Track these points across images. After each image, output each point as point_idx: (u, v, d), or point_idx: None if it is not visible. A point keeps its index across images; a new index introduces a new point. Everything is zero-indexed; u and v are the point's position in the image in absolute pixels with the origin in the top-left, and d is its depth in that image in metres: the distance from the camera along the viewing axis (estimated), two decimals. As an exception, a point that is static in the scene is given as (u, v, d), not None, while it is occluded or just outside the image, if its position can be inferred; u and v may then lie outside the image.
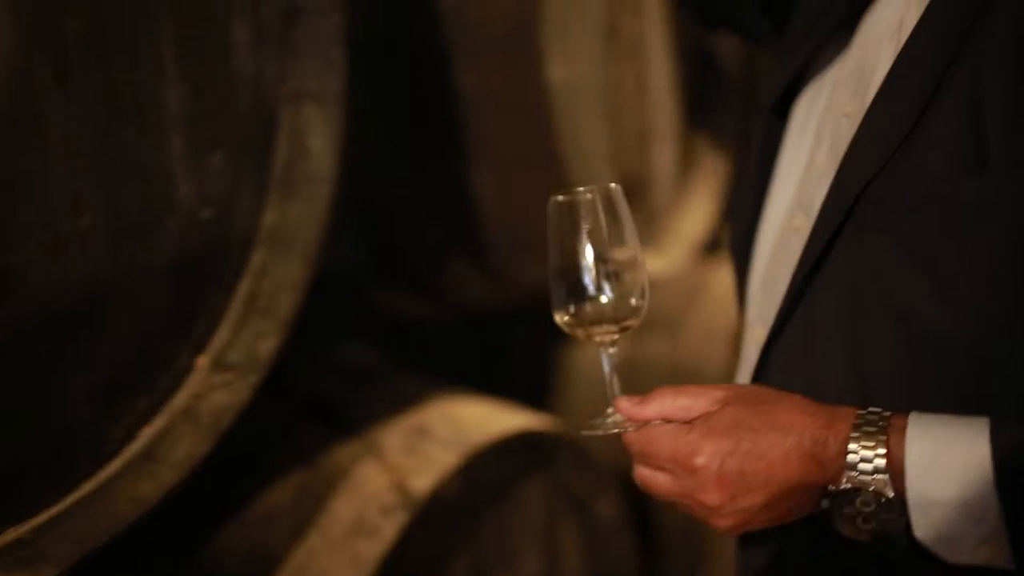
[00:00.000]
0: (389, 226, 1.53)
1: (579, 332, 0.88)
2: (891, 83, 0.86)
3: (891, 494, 0.76)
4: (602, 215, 0.86)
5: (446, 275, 1.57)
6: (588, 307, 0.86)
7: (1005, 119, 0.79)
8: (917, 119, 0.82)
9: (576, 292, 0.86)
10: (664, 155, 1.85)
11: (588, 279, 0.86)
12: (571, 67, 1.53)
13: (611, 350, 0.89)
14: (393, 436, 1.26)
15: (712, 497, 0.80)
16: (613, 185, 0.87)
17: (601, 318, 0.87)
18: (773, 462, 0.79)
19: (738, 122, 2.00)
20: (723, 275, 2.11)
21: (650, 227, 1.86)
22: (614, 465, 1.58)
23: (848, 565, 0.87)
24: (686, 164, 1.92)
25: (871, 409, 0.78)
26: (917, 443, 0.76)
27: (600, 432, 0.86)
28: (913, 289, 0.82)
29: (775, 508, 0.80)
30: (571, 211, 0.86)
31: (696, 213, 1.90)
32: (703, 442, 0.80)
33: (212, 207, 0.97)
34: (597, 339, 0.88)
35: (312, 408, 1.38)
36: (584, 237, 0.86)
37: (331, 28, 1.02)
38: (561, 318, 0.88)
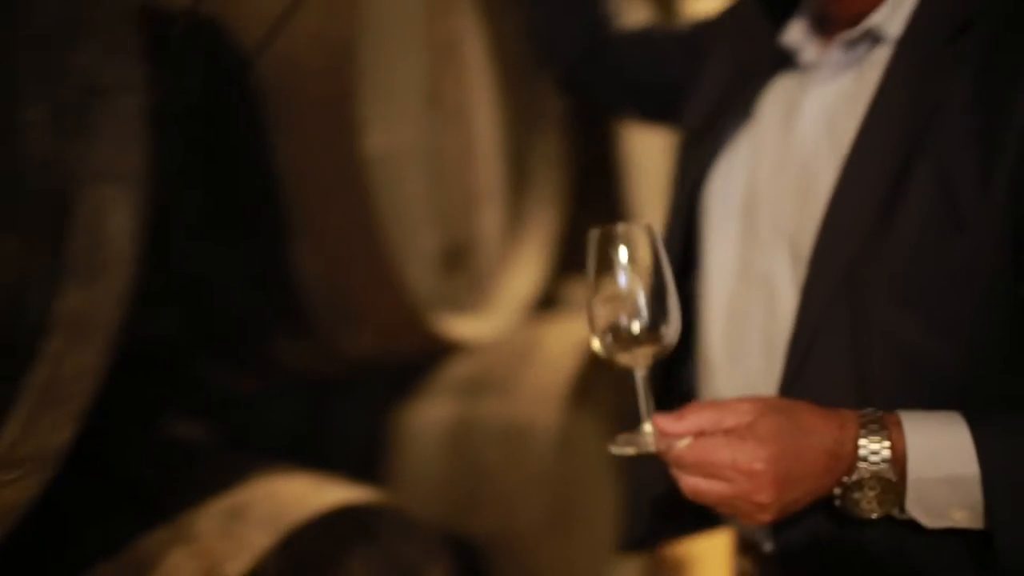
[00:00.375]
0: (211, 299, 1.50)
1: (616, 356, 0.96)
2: (858, 164, 1.01)
3: (894, 479, 0.93)
4: (636, 247, 0.95)
5: (270, 346, 1.54)
6: (623, 333, 0.94)
7: (973, 186, 0.94)
8: (893, 194, 0.98)
9: (613, 319, 0.94)
10: (491, 218, 1.87)
11: (624, 307, 0.95)
12: (392, 135, 1.53)
13: (642, 372, 0.96)
14: (209, 519, 1.21)
15: (766, 496, 0.91)
16: (646, 222, 0.97)
17: (635, 343, 0.95)
18: (808, 461, 0.92)
19: (565, 182, 2.05)
20: (555, 333, 2.15)
21: (477, 289, 1.87)
22: (443, 531, 1.57)
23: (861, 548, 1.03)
24: (514, 226, 1.95)
25: (868, 411, 0.94)
26: (913, 435, 0.92)
27: (640, 451, 0.94)
28: (911, 329, 0.98)
29: (805, 499, 0.94)
30: (608, 243, 0.95)
31: (524, 274, 1.92)
32: (759, 449, 0.90)
33: (2, 295, 0.92)
34: (632, 363, 0.96)
35: (126, 493, 1.33)
36: (619, 267, 0.95)
37: (132, 107, 1.00)
38: (598, 343, 0.96)
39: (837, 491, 0.95)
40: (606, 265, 0.95)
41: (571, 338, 2.13)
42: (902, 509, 0.95)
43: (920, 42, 1.03)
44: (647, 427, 0.95)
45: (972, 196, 0.95)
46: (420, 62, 1.63)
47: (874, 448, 0.93)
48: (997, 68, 0.97)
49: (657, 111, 1.49)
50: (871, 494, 0.94)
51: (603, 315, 0.95)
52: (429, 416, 2.03)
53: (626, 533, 1.36)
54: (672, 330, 0.96)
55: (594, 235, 0.96)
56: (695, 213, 1.21)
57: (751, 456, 0.90)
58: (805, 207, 1.08)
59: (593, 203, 2.46)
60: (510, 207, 1.94)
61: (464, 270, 1.82)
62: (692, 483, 0.93)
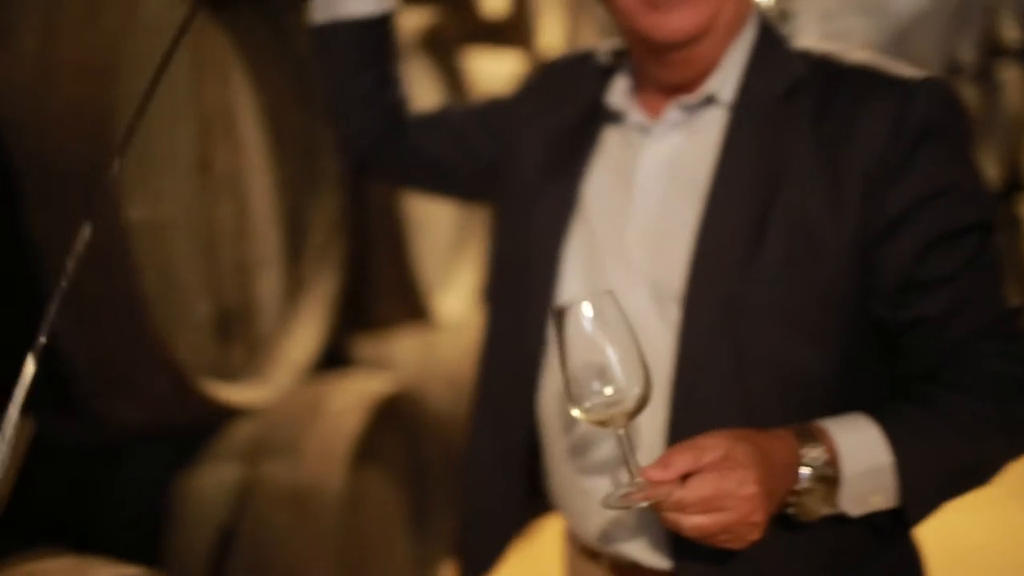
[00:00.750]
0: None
1: (593, 420, 1.02)
2: (719, 209, 1.16)
3: (835, 477, 1.06)
4: (599, 319, 1.01)
5: (35, 421, 1.49)
6: (597, 399, 1.01)
7: (825, 221, 1.12)
8: (756, 232, 1.13)
9: (585, 388, 1.00)
10: (268, 284, 1.89)
11: (593, 378, 1.01)
12: (160, 204, 1.54)
13: (621, 431, 1.02)
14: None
15: (760, 515, 1.01)
16: (606, 292, 1.03)
17: (610, 407, 1.01)
18: (780, 476, 1.04)
19: (344, 244, 2.09)
20: (340, 393, 2.17)
21: (256, 353, 1.87)
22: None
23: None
24: (293, 289, 1.97)
25: (796, 425, 1.08)
26: (838, 438, 1.07)
27: (633, 505, 1.00)
28: (792, 347, 1.13)
29: (776, 508, 1.06)
30: (572, 319, 1.01)
31: (303, 338, 1.94)
32: (747, 473, 0.99)
33: None
34: (612, 424, 1.02)
35: None
36: (585, 341, 1.00)
37: None
38: (577, 411, 1.02)
39: (791, 499, 1.07)
40: (572, 340, 1.00)
41: (356, 396, 2.15)
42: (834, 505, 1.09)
43: (755, 103, 1.19)
44: (637, 480, 1.00)
45: (825, 229, 1.13)
46: (189, 131, 1.64)
47: (814, 455, 1.06)
48: (829, 120, 1.15)
49: (460, 188, 1.55)
50: (818, 496, 1.07)
51: (575, 386, 1.01)
52: (212, 482, 2.01)
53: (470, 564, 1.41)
54: (645, 387, 1.02)
55: (555, 312, 1.02)
56: (549, 265, 1.28)
57: (743, 481, 1.00)
58: (664, 251, 1.19)
59: (377, 261, 2.51)
60: (289, 271, 1.95)
61: (241, 336, 1.83)
62: (695, 522, 1.01)
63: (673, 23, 1.17)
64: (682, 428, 1.15)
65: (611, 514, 1.22)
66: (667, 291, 1.18)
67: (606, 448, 1.22)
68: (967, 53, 7.26)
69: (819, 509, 1.09)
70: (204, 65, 1.65)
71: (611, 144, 1.29)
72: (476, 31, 3.67)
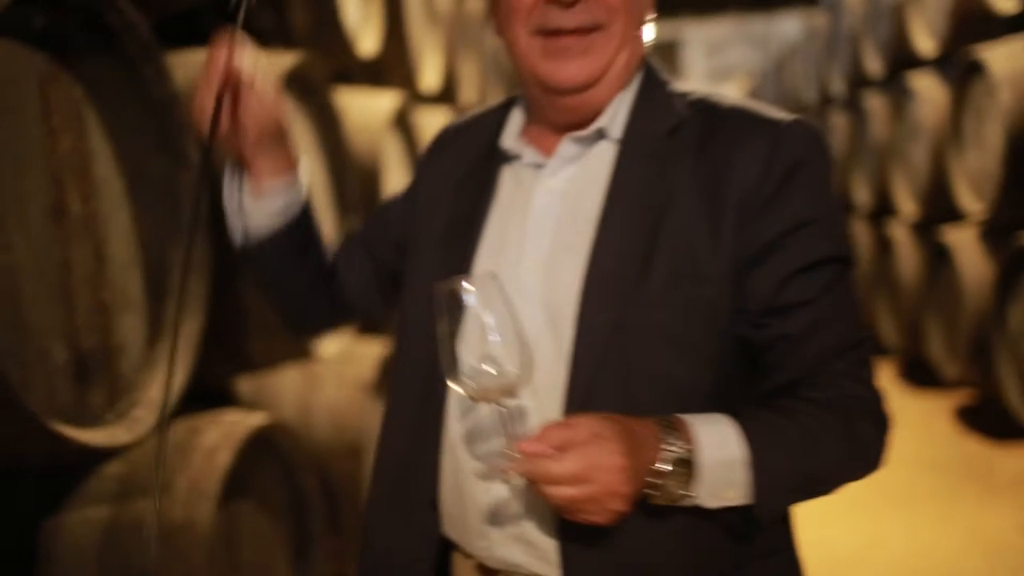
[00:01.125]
0: None
1: (472, 395, 1.09)
2: (608, 237, 1.25)
3: (693, 461, 1.15)
4: (483, 299, 1.08)
5: None
6: (483, 378, 1.08)
7: (706, 248, 1.22)
8: (644, 258, 1.23)
9: (473, 365, 1.07)
10: (129, 327, 1.93)
11: (475, 355, 1.07)
12: (8, 252, 1.57)
13: (503, 409, 1.10)
14: None
15: (628, 487, 1.10)
16: (492, 274, 1.11)
17: (494, 385, 1.08)
18: (644, 455, 1.12)
19: (208, 286, 2.13)
20: (211, 431, 2.20)
21: (118, 397, 1.91)
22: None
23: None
24: (155, 333, 2.01)
25: (660, 416, 1.17)
26: (697, 429, 1.16)
27: (506, 477, 1.09)
28: (677, 363, 1.23)
29: (640, 486, 1.14)
30: (458, 296, 1.07)
31: (165, 379, 1.98)
32: (615, 446, 1.09)
33: None
34: (494, 401, 1.09)
35: None
36: (469, 320, 1.06)
37: None
38: (456, 385, 1.09)
39: (651, 479, 1.14)
40: (459, 316, 1.07)
41: (228, 433, 2.19)
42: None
43: (641, 140, 1.29)
44: (511, 455, 1.08)
45: (705, 256, 1.23)
46: (41, 179, 1.68)
47: (675, 441, 1.15)
48: (709, 156, 1.26)
49: None
50: (677, 481, 1.15)
51: (464, 362, 1.08)
52: (80, 523, 2.02)
53: None
54: (528, 367, 1.10)
55: (444, 289, 1.08)
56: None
57: (610, 454, 1.09)
58: (557, 277, 1.27)
59: (254, 303, 2.55)
60: (150, 314, 1.99)
61: (102, 378, 1.86)
62: (564, 493, 1.09)
63: (569, 72, 1.27)
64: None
65: (502, 527, 1.28)
66: (560, 314, 1.25)
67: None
68: (837, 84, 7.60)
69: (677, 493, 1.16)
70: (54, 114, 1.69)
71: (507, 183, 1.37)
72: (352, 70, 3.75)
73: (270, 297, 1.58)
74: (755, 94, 12.70)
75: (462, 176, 1.42)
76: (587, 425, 1.11)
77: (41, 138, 1.67)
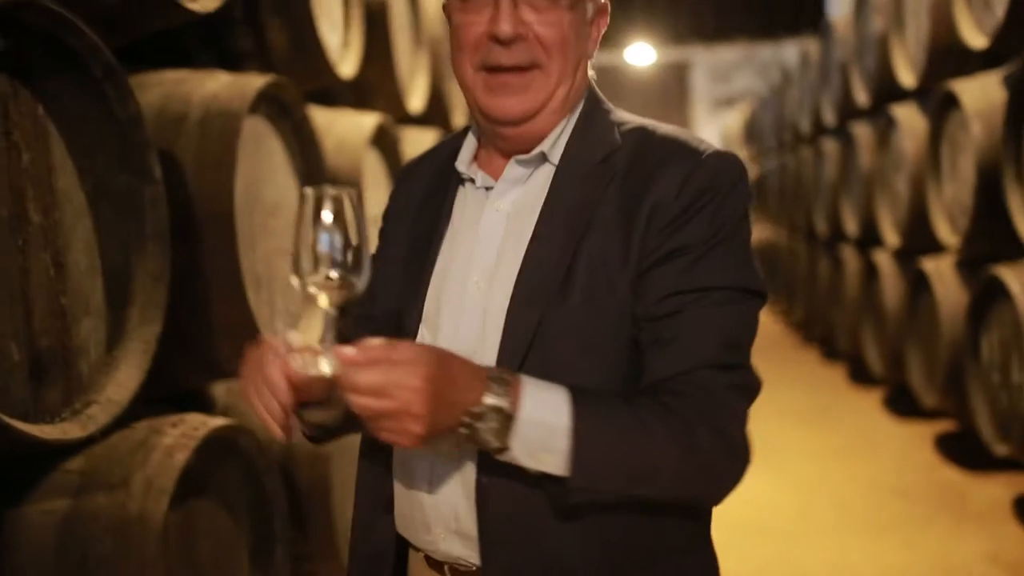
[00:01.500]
0: None
1: (312, 296, 1.20)
2: (537, 249, 1.37)
3: (511, 413, 1.22)
4: (341, 207, 1.18)
5: None
6: (321, 278, 1.19)
7: (618, 259, 1.34)
8: (567, 270, 1.34)
9: (315, 265, 1.18)
10: (88, 330, 2.05)
11: (325, 256, 1.18)
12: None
13: (332, 312, 1.21)
14: None
15: (421, 408, 1.17)
16: (351, 188, 1.21)
17: (331, 287, 1.19)
18: (456, 389, 1.20)
19: (164, 292, 2.25)
20: (171, 431, 2.31)
21: (74, 397, 2.02)
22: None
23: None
24: (114, 336, 2.12)
25: (493, 367, 1.27)
26: (526, 387, 1.24)
27: (318, 373, 1.19)
28: (587, 368, 1.33)
29: (450, 420, 1.22)
30: (317, 201, 1.18)
31: (124, 380, 2.10)
32: (419, 369, 1.17)
33: None
34: (325, 303, 1.20)
35: None
36: (324, 222, 1.17)
37: None
38: (297, 281, 1.19)
39: (466, 419, 1.22)
40: (314, 219, 1.18)
41: (188, 433, 2.29)
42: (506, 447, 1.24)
43: (577, 165, 1.41)
44: (328, 355, 1.19)
45: (618, 266, 1.34)
46: (2, 191, 1.80)
47: (497, 389, 1.22)
48: (634, 178, 1.37)
49: None
50: (492, 425, 1.22)
51: (307, 261, 1.18)
52: (40, 515, 2.13)
53: None
54: (363, 280, 1.20)
55: (308, 193, 1.18)
56: (410, 318, 1.46)
57: (414, 376, 1.16)
58: (494, 284, 1.39)
59: (220, 310, 2.66)
60: (110, 319, 2.11)
61: (59, 378, 1.97)
62: (363, 402, 1.17)
63: (508, 106, 1.40)
64: None
65: (442, 522, 1.39)
66: (493, 319, 1.38)
67: (444, 454, 1.38)
68: (829, 112, 7.70)
69: (490, 440, 1.23)
70: (15, 129, 1.82)
71: (460, 204, 1.49)
72: (337, 92, 3.88)
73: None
74: (755, 120, 12.79)
75: (420, 202, 1.54)
76: (407, 348, 1.20)
77: (1, 152, 1.79)
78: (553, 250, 1.37)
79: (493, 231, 1.43)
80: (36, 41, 1.86)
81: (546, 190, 1.42)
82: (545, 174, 1.44)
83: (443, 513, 1.40)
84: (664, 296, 1.33)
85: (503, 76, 1.39)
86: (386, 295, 1.50)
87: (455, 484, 1.39)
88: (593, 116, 1.47)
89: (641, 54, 15.46)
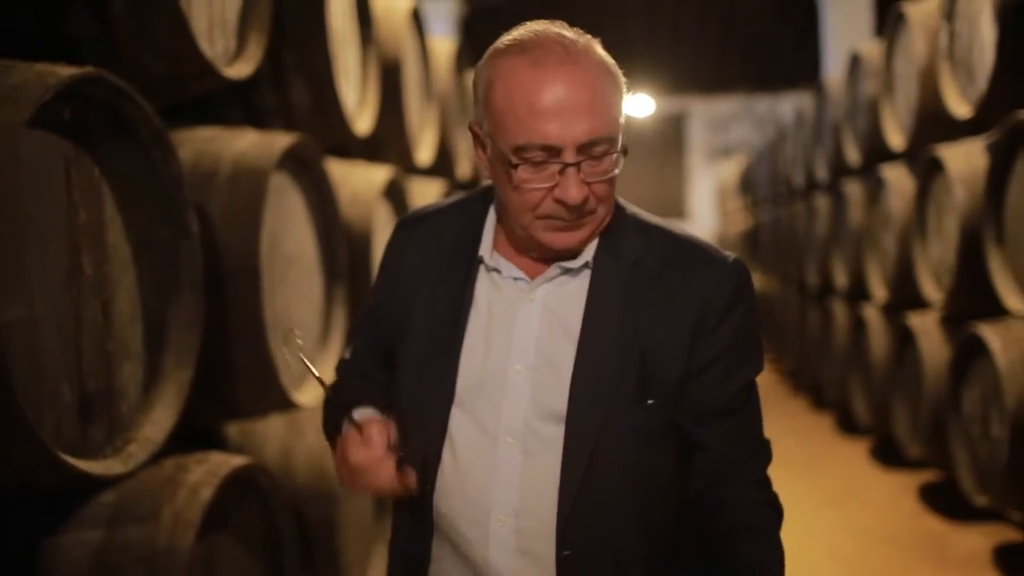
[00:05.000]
0: None
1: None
2: (592, 350, 1.53)
3: None
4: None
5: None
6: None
7: (668, 363, 1.53)
8: (622, 369, 1.51)
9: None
10: (129, 373, 2.22)
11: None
12: (30, 306, 1.87)
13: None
14: None
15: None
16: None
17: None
18: None
19: (198, 339, 2.42)
20: (197, 469, 2.47)
21: (116, 434, 2.19)
22: None
23: None
24: (151, 379, 2.30)
25: None
26: None
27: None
28: (647, 450, 1.55)
29: None
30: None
31: (159, 419, 2.27)
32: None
33: None
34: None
35: None
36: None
37: None
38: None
39: None
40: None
41: (212, 471, 2.45)
42: None
43: (610, 268, 1.56)
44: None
45: (667, 367, 1.53)
46: (60, 244, 1.98)
47: None
48: (670, 285, 1.55)
49: None
50: None
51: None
52: (75, 544, 2.28)
53: None
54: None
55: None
56: (445, 387, 1.58)
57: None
58: (544, 380, 1.54)
59: (241, 356, 2.83)
60: (148, 363, 2.28)
61: (103, 417, 2.14)
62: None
63: (565, 242, 1.53)
64: (576, 513, 1.51)
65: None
66: (549, 412, 1.53)
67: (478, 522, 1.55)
68: (821, 169, 7.93)
69: None
70: (75, 190, 2.00)
71: (485, 291, 1.59)
72: (350, 146, 4.08)
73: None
74: (750, 172, 13.03)
75: (436, 278, 1.62)
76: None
77: (62, 211, 1.98)
78: (607, 351, 1.53)
79: (529, 324, 1.56)
80: (97, 110, 2.05)
81: (584, 291, 1.57)
82: (581, 274, 1.58)
83: None
84: (709, 396, 1.56)
85: (566, 223, 1.51)
86: (407, 365, 1.60)
87: (516, 549, 1.53)
88: (619, 219, 1.61)
89: (640, 105, 15.73)
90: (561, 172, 1.46)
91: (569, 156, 1.45)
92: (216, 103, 3.24)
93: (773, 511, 1.59)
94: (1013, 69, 4.14)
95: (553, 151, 1.45)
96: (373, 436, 1.51)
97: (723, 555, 1.54)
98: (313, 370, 1.56)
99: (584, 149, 1.46)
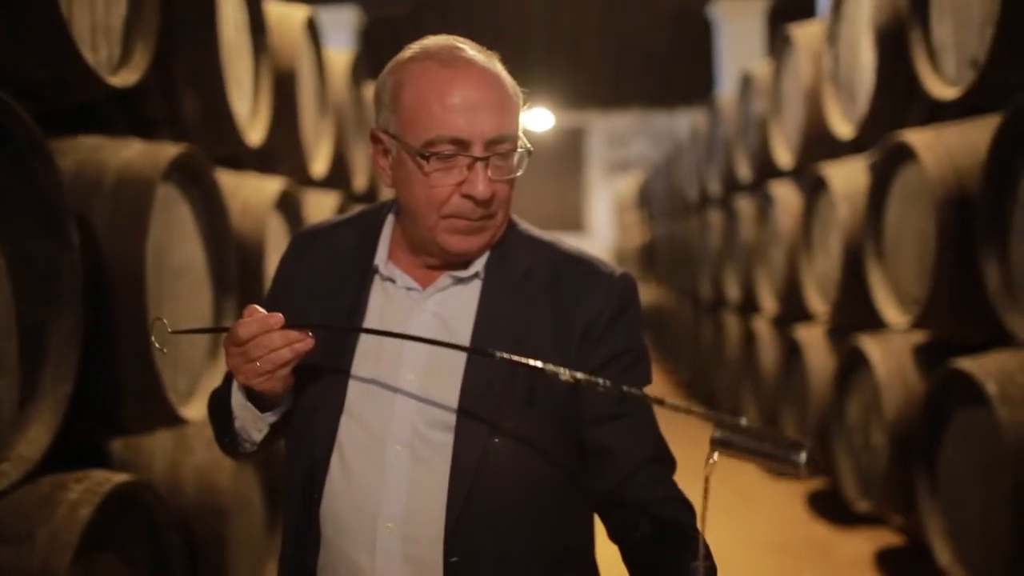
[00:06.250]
0: None
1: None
2: (483, 361, 1.52)
3: None
4: None
5: None
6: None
7: (543, 385, 1.54)
8: (510, 378, 1.54)
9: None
10: (3, 388, 2.14)
11: None
12: None
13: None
14: None
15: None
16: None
17: None
18: None
19: (77, 353, 2.35)
20: (75, 487, 2.39)
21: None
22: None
23: None
24: (26, 395, 2.22)
25: None
26: None
27: None
28: (534, 456, 1.56)
29: None
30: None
31: (35, 437, 2.19)
32: None
33: None
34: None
35: None
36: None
37: None
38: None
39: None
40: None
41: (92, 489, 2.38)
42: None
43: (503, 278, 1.60)
44: None
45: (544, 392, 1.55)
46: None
47: None
48: (561, 298, 1.60)
49: None
50: None
51: None
52: None
53: None
54: None
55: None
56: (333, 403, 1.59)
57: None
58: (432, 383, 1.56)
59: (127, 371, 2.76)
60: (23, 378, 2.21)
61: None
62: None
63: (467, 246, 1.58)
64: (464, 519, 1.53)
65: None
66: (438, 420, 1.55)
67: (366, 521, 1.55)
68: (714, 184, 8.12)
69: None
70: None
71: (380, 300, 1.63)
72: (243, 157, 4.02)
73: (228, 446, 1.69)
74: (648, 186, 13.26)
75: (329, 288, 1.65)
76: None
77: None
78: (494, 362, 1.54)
79: (421, 333, 1.58)
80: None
81: (475, 300, 1.61)
82: (472, 284, 1.63)
83: None
84: (601, 401, 1.58)
85: (468, 224, 1.57)
86: (298, 373, 1.58)
87: (403, 556, 1.54)
88: (510, 231, 1.66)
89: (540, 119, 15.87)
90: (470, 167, 1.53)
91: (477, 150, 1.52)
92: (103, 112, 3.16)
93: (687, 508, 1.60)
94: (891, 91, 4.31)
95: (463, 144, 1.52)
96: (256, 311, 1.52)
97: (650, 562, 1.55)
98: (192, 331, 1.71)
99: (491, 145, 1.53)
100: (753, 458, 1.31)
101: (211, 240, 3.25)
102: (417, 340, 1.51)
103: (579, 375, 1.39)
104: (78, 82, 2.42)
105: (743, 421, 1.30)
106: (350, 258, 1.66)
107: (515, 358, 1.43)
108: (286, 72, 4.25)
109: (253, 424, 1.61)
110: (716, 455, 1.33)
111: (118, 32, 2.72)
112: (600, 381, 1.39)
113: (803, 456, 1.26)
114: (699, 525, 1.37)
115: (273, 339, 1.49)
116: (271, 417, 1.60)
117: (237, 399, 1.59)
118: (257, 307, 1.53)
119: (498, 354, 1.44)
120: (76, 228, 2.31)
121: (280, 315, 1.50)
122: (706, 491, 1.36)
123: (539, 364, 1.41)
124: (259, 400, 1.58)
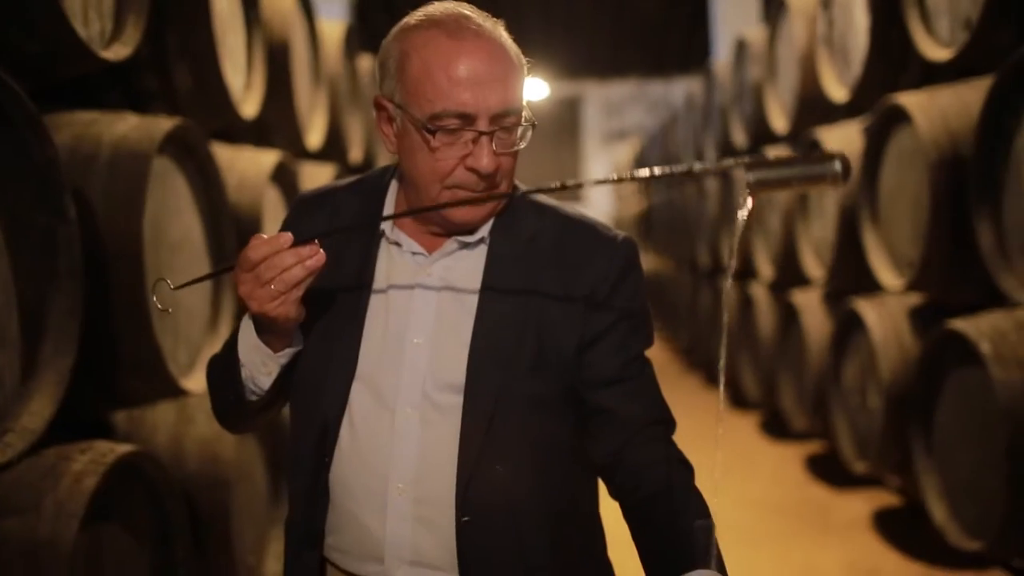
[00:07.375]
0: None
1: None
2: (489, 322, 1.57)
3: None
4: None
5: None
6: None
7: (564, 332, 1.58)
8: (518, 340, 1.56)
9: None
10: (4, 362, 2.17)
11: None
12: None
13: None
14: None
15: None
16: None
17: None
18: None
19: (78, 327, 2.37)
20: (80, 458, 2.42)
21: (-8, 422, 2.14)
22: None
23: None
24: (29, 368, 2.25)
25: None
26: None
27: None
28: (542, 419, 1.59)
29: None
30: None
31: (38, 408, 2.22)
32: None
33: None
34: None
35: None
36: None
37: None
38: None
39: None
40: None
41: (96, 460, 2.41)
42: None
43: (507, 243, 1.61)
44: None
45: (562, 337, 1.57)
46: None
47: None
48: (566, 261, 1.61)
49: None
50: None
51: None
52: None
53: None
54: None
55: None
56: (345, 365, 1.59)
57: None
58: (440, 347, 1.57)
59: (127, 344, 2.78)
60: (25, 351, 2.23)
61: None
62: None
63: (470, 216, 1.59)
64: (475, 480, 1.55)
65: (396, 547, 1.56)
66: (448, 382, 1.56)
67: (376, 483, 1.57)
68: (710, 151, 8.11)
69: None
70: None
71: (387, 265, 1.63)
72: (238, 130, 4.02)
73: (230, 410, 1.69)
74: (644, 154, 13.25)
75: (334, 254, 1.57)
76: None
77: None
78: (503, 322, 1.58)
79: (428, 297, 1.60)
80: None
81: (481, 265, 1.62)
82: (478, 249, 1.63)
83: (401, 544, 1.57)
84: (606, 362, 1.61)
85: (472, 195, 1.55)
86: (307, 339, 1.60)
87: (414, 517, 1.56)
88: (517, 202, 1.66)
89: (536, 88, 15.83)
90: (475, 141, 1.53)
91: (483, 124, 1.52)
92: (97, 86, 3.16)
93: (686, 468, 1.63)
94: (885, 54, 4.31)
95: (468, 119, 1.51)
96: (265, 234, 1.50)
97: (651, 521, 1.57)
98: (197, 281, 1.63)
99: (496, 119, 1.53)
100: (790, 184, 1.33)
101: (208, 213, 3.26)
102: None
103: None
104: (70, 56, 2.42)
105: (770, 155, 1.31)
106: (353, 222, 1.67)
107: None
108: (279, 44, 4.25)
109: (263, 367, 1.58)
110: (750, 201, 1.36)
111: (110, 6, 2.72)
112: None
113: (837, 165, 1.29)
114: (721, 354, 1.37)
115: (284, 258, 1.45)
116: (282, 358, 1.59)
117: (246, 343, 1.57)
118: (262, 234, 1.51)
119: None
120: (73, 202, 2.33)
121: (289, 234, 1.48)
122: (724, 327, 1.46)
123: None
124: (270, 341, 1.57)
